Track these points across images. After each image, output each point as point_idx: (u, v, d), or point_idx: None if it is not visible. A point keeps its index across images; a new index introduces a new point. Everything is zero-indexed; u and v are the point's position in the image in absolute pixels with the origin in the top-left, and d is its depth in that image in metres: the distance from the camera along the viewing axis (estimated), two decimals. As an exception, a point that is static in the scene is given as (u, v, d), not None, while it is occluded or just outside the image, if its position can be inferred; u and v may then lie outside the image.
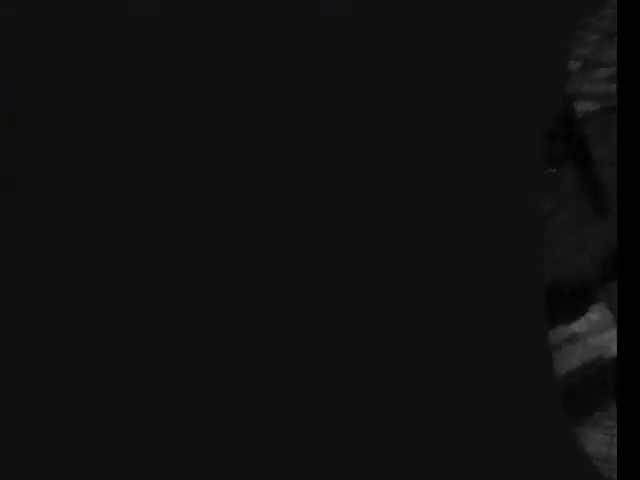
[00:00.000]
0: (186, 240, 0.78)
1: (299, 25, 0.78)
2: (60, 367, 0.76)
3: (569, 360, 1.23)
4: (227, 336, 0.77)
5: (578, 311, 1.33)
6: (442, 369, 0.78)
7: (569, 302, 1.34)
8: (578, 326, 1.30)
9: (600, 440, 1.15)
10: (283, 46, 0.78)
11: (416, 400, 0.78)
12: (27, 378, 0.76)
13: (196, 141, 0.78)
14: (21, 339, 0.76)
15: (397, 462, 0.78)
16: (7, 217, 0.75)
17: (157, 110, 0.76)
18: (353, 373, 0.77)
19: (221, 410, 0.77)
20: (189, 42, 0.76)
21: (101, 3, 0.74)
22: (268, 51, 0.78)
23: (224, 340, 0.77)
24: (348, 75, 0.79)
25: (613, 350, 1.21)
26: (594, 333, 1.28)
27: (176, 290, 0.78)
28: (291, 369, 0.76)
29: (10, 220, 0.75)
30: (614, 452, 1.11)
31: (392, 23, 0.79)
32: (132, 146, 0.76)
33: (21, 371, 0.76)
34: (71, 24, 0.74)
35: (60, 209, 0.76)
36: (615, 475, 1.07)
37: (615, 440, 1.13)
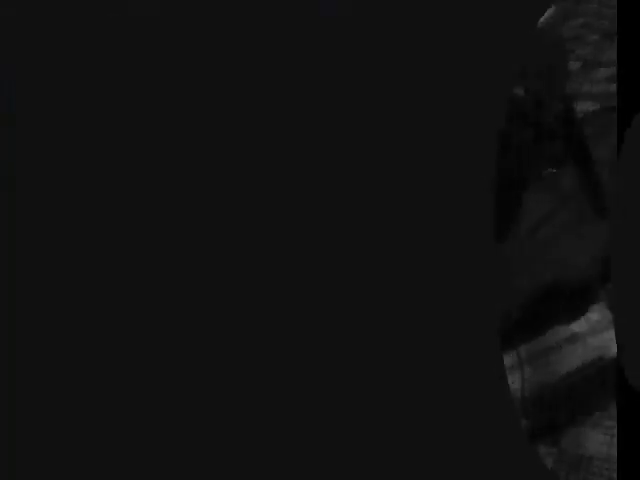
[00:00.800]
0: (184, 239, 0.78)
1: (299, 25, 0.78)
2: (60, 366, 0.76)
3: (569, 360, 1.23)
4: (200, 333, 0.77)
5: (578, 311, 1.33)
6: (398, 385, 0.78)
7: (569, 302, 1.34)
8: (578, 326, 1.30)
9: (600, 440, 1.15)
10: (283, 46, 0.78)
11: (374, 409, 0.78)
12: (27, 378, 0.76)
13: (195, 141, 0.78)
14: (21, 339, 0.76)
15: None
16: (7, 217, 0.75)
17: (157, 110, 0.76)
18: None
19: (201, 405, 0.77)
20: (189, 42, 0.76)
21: (101, 3, 0.74)
22: (268, 51, 0.77)
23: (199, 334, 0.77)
24: (348, 75, 0.79)
25: (613, 350, 1.21)
26: (594, 333, 1.28)
27: (170, 288, 0.78)
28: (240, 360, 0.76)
29: (10, 220, 0.75)
30: (614, 452, 1.11)
31: (387, 24, 0.79)
32: (132, 146, 0.76)
33: (21, 371, 0.76)
34: (71, 24, 0.74)
35: (60, 209, 0.76)
36: (615, 475, 1.07)
37: (615, 440, 1.13)
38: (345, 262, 0.77)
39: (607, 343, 1.23)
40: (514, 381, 1.24)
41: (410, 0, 0.78)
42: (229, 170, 0.78)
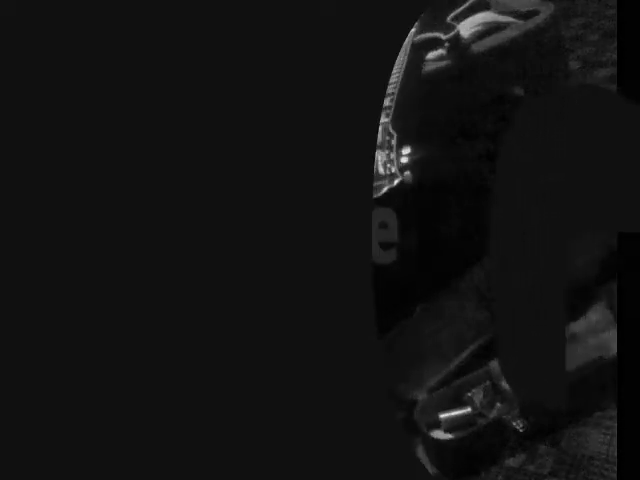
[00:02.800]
0: (186, 240, 0.78)
1: (299, 25, 0.78)
2: (59, 367, 0.76)
3: (569, 360, 1.22)
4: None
5: (578, 311, 1.32)
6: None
7: (569, 302, 1.34)
8: (578, 326, 1.30)
9: (600, 440, 1.14)
10: (283, 45, 0.78)
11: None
12: (27, 378, 0.76)
13: (194, 141, 0.78)
14: (21, 338, 0.76)
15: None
16: (7, 217, 0.75)
17: (157, 110, 0.76)
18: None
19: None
20: (189, 42, 0.76)
21: (101, 3, 0.74)
22: (268, 50, 0.78)
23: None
24: (347, 74, 0.79)
25: (613, 350, 1.21)
26: (594, 333, 1.27)
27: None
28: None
29: (10, 220, 0.75)
30: (614, 452, 1.11)
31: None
32: (132, 146, 0.76)
33: (21, 371, 0.76)
34: (71, 24, 0.74)
35: (60, 208, 0.76)
36: (615, 475, 1.06)
37: (615, 440, 1.13)
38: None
39: (607, 343, 1.23)
40: (514, 381, 1.24)
41: None
42: (229, 170, 0.79)
